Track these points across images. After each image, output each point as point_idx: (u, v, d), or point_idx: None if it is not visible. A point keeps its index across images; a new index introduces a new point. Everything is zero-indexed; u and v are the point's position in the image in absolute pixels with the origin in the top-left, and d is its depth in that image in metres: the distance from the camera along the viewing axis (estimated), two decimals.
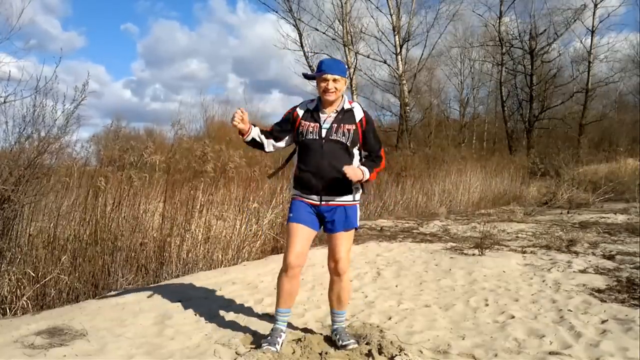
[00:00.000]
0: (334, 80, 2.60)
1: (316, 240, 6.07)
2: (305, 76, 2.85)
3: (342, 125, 2.66)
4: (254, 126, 2.73)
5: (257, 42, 45.93)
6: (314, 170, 2.62)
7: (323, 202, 2.67)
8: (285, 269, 2.67)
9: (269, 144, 2.78)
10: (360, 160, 2.78)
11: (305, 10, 19.16)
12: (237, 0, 62.54)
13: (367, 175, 2.64)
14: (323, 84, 2.61)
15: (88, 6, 62.64)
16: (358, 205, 2.76)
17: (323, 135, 2.63)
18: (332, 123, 2.65)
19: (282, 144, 2.80)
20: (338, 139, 2.64)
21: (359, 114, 2.71)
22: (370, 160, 2.76)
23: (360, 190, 2.76)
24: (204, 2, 63.54)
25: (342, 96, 2.72)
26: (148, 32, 69.26)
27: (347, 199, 2.70)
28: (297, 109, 2.74)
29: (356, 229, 2.76)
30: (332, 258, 2.72)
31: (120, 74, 71.30)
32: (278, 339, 2.70)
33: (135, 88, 59.48)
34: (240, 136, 2.73)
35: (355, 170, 2.58)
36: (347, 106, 2.71)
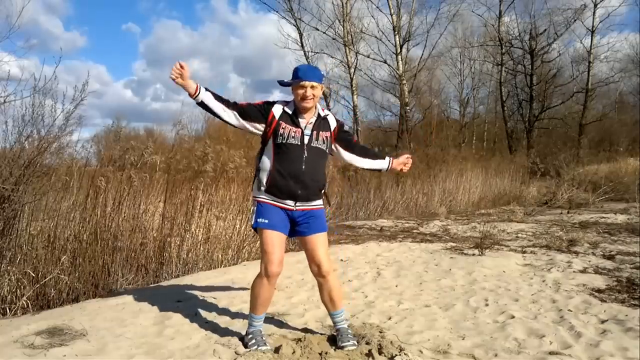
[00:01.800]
0: (312, 87, 2.58)
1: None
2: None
3: (320, 132, 2.69)
4: (206, 89, 2.58)
5: (258, 41, 46.07)
6: (294, 176, 2.60)
7: (297, 207, 2.68)
8: (266, 277, 2.63)
9: (230, 115, 2.62)
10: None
11: (306, 10, 19.22)
12: (239, 0, 62.62)
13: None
14: (301, 91, 2.58)
15: (90, 6, 62.76)
16: (324, 209, 2.83)
17: (305, 141, 2.63)
18: (312, 130, 2.66)
19: (247, 124, 2.66)
20: (319, 146, 2.67)
21: (332, 123, 2.77)
22: (364, 149, 2.94)
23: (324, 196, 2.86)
24: (205, 2, 63.67)
25: (316, 105, 2.71)
26: (150, 32, 69.37)
27: (318, 203, 2.76)
28: (274, 109, 2.66)
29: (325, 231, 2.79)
30: (314, 261, 2.71)
31: (121, 74, 71.48)
32: (263, 338, 2.75)
33: (136, 88, 59.58)
34: (190, 97, 2.57)
35: (399, 160, 2.99)
36: (322, 113, 2.73)
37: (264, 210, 2.66)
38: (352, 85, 19.52)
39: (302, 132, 2.64)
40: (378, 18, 19.41)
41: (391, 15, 19.16)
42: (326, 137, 2.71)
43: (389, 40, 19.58)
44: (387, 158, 2.98)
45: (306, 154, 2.62)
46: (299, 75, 2.58)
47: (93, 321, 3.25)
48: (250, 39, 53.31)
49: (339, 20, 18.91)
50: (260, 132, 2.71)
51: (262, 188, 2.67)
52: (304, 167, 2.61)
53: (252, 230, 2.95)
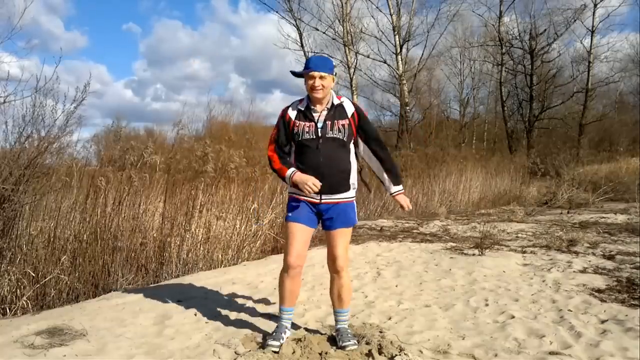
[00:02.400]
0: (321, 77, 2.60)
1: (316, 240, 6.08)
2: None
3: (335, 121, 2.66)
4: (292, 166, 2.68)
5: (259, 41, 46.13)
6: (313, 169, 2.61)
7: (323, 200, 2.68)
8: (286, 269, 2.70)
9: (289, 156, 2.75)
10: (356, 156, 2.80)
11: (306, 10, 19.22)
12: (239, 0, 62.64)
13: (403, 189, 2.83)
14: (310, 81, 2.61)
15: (91, 5, 62.80)
16: (355, 202, 2.79)
17: (319, 134, 2.64)
18: (325, 121, 2.65)
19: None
20: (335, 135, 2.65)
21: (349, 108, 2.72)
22: (388, 166, 2.80)
23: (356, 187, 2.79)
24: (206, 1, 63.70)
25: (330, 92, 2.72)
26: (150, 32, 69.42)
27: (345, 195, 2.71)
28: (289, 112, 2.72)
29: (354, 226, 2.77)
30: (331, 255, 2.72)
31: (121, 74, 71.53)
32: (282, 334, 2.76)
33: (137, 88, 59.62)
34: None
35: (406, 200, 2.80)
36: (336, 101, 2.71)
37: (291, 204, 2.73)
38: (352, 85, 19.52)
39: (316, 125, 2.65)
40: (378, 18, 19.44)
41: (391, 15, 19.18)
42: (343, 125, 2.66)
43: (388, 40, 19.62)
44: (401, 186, 2.84)
45: (322, 146, 2.62)
46: (309, 66, 2.62)
47: (93, 321, 3.25)
48: (250, 39, 53.37)
49: (339, 20, 18.92)
50: None
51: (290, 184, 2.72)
52: (321, 159, 2.60)
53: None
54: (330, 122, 2.65)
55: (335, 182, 2.65)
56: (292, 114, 2.71)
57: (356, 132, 2.74)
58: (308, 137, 2.64)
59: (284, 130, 2.72)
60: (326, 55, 2.91)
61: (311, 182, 2.54)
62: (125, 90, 59.97)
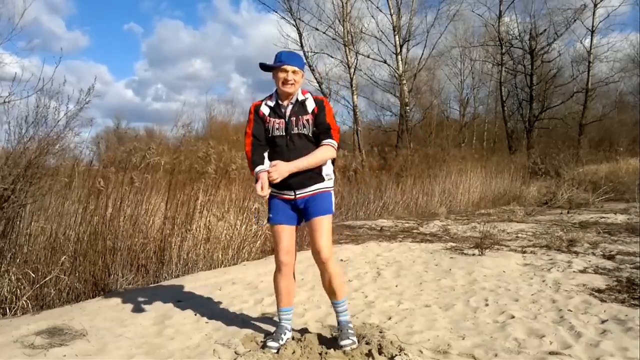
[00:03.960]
0: (294, 72, 2.60)
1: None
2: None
3: (300, 117, 2.66)
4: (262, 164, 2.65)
5: (260, 41, 46.13)
6: None
7: (297, 196, 2.69)
8: (278, 267, 2.77)
9: (265, 153, 2.72)
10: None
11: (306, 10, 19.21)
12: (241, 0, 62.64)
13: (292, 168, 2.55)
14: (282, 75, 2.60)
15: (92, 5, 62.79)
16: (332, 192, 2.78)
17: (287, 130, 2.64)
18: (290, 116, 2.65)
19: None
20: (300, 131, 2.64)
21: (310, 105, 2.69)
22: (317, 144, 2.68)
23: (332, 177, 2.77)
24: (207, 1, 63.68)
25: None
26: (152, 32, 69.42)
27: (318, 186, 2.71)
28: (262, 108, 2.70)
29: (332, 214, 2.73)
30: (313, 247, 2.70)
31: (122, 74, 71.52)
32: (282, 335, 2.76)
33: (137, 88, 59.64)
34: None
35: (277, 167, 2.52)
36: (301, 97, 2.70)
37: (272, 206, 2.76)
38: (352, 85, 19.51)
39: (285, 122, 2.65)
40: (378, 18, 19.43)
41: (391, 15, 19.17)
42: (307, 120, 2.66)
43: (389, 40, 19.61)
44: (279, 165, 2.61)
45: (289, 143, 2.63)
46: (281, 59, 2.61)
47: (93, 321, 3.25)
48: (252, 39, 53.38)
49: (339, 20, 18.92)
50: None
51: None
52: (289, 156, 2.60)
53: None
54: (294, 118, 2.65)
55: (306, 177, 2.66)
56: (265, 110, 2.70)
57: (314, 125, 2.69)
58: (278, 133, 2.65)
59: (261, 124, 2.69)
60: (296, 52, 2.86)
61: (259, 186, 2.52)
62: (126, 90, 60.01)
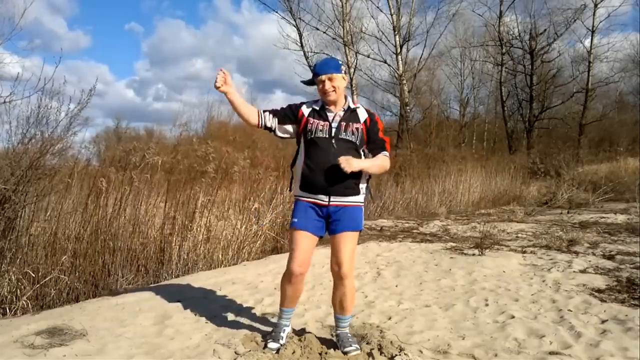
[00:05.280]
0: (329, 79, 2.58)
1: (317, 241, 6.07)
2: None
3: (350, 123, 2.64)
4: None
5: (261, 41, 46.19)
6: (323, 168, 2.56)
7: (331, 203, 2.61)
8: (289, 276, 2.64)
9: (273, 125, 2.69)
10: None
11: (306, 10, 19.19)
12: (242, 0, 62.65)
13: (361, 165, 2.52)
14: (320, 86, 2.61)
15: (94, 5, 62.76)
16: (363, 208, 2.72)
17: (333, 133, 2.61)
18: (340, 122, 2.63)
19: (283, 131, 2.73)
20: (348, 137, 2.61)
21: (363, 115, 2.69)
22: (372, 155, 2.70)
23: (366, 192, 2.72)
24: (209, 1, 63.66)
25: (346, 97, 2.70)
26: (153, 32, 69.42)
27: (354, 199, 2.65)
28: (303, 108, 2.70)
29: (360, 231, 2.69)
30: (336, 260, 2.63)
31: (123, 74, 71.45)
32: (282, 334, 2.74)
33: (138, 88, 59.62)
34: (232, 106, 2.62)
35: (349, 159, 2.47)
36: (352, 106, 2.70)
37: (297, 209, 2.66)
38: (352, 85, 19.50)
39: (330, 125, 2.63)
40: (378, 18, 19.43)
41: (391, 15, 19.17)
42: (356, 128, 2.64)
43: (389, 40, 19.59)
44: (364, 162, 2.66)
45: (335, 146, 2.58)
46: (315, 71, 2.62)
47: (93, 321, 3.25)
48: (253, 39, 53.40)
49: (339, 20, 18.90)
50: (291, 135, 2.74)
51: (298, 184, 2.68)
52: (332, 159, 2.52)
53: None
54: (344, 124, 2.63)
55: (345, 185, 2.59)
56: (306, 110, 2.69)
57: (367, 138, 2.68)
58: (321, 135, 2.60)
59: (290, 114, 2.69)
60: (330, 56, 2.86)
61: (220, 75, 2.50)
62: (126, 90, 59.99)
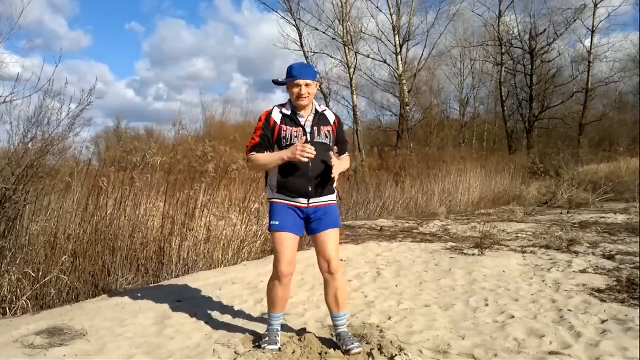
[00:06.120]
0: (307, 85, 2.60)
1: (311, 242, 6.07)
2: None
3: (321, 127, 2.69)
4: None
5: (262, 41, 46.19)
6: (303, 173, 2.61)
7: (311, 204, 2.67)
8: (278, 278, 2.66)
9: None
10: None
11: (306, 10, 19.21)
12: (243, 0, 62.60)
13: (341, 167, 2.71)
14: (296, 90, 2.60)
15: (95, 4, 62.71)
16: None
17: (309, 139, 2.64)
18: (312, 126, 2.67)
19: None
20: (322, 140, 2.67)
21: (331, 117, 2.78)
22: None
23: (335, 190, 2.83)
24: (210, 1, 63.62)
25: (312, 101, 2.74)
26: (154, 31, 69.37)
27: (331, 198, 2.75)
28: (274, 114, 2.68)
29: (340, 227, 2.78)
30: (324, 258, 2.69)
31: (124, 74, 71.39)
32: (277, 337, 2.75)
33: (139, 88, 59.60)
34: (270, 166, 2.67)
35: (335, 163, 2.63)
36: (319, 109, 2.74)
37: (276, 212, 2.68)
38: (352, 85, 19.51)
39: (304, 130, 2.65)
40: (378, 18, 19.44)
41: (391, 15, 19.18)
42: (328, 131, 2.71)
43: (389, 40, 19.62)
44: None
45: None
46: (293, 74, 2.60)
47: (93, 321, 3.25)
48: (253, 39, 53.36)
49: (339, 20, 18.91)
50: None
51: (274, 190, 2.70)
52: (311, 163, 2.58)
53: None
54: (317, 128, 2.68)
55: (323, 185, 2.67)
56: (277, 117, 2.68)
57: (336, 139, 2.79)
58: (297, 141, 2.61)
59: (269, 136, 2.66)
60: (307, 63, 2.90)
61: (304, 148, 2.47)
62: (127, 90, 59.95)
